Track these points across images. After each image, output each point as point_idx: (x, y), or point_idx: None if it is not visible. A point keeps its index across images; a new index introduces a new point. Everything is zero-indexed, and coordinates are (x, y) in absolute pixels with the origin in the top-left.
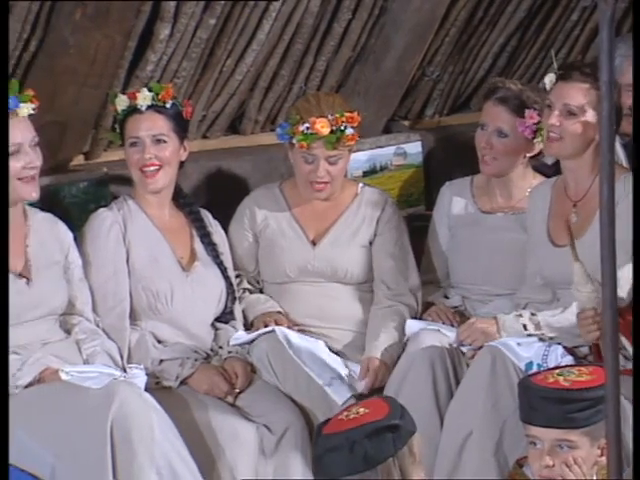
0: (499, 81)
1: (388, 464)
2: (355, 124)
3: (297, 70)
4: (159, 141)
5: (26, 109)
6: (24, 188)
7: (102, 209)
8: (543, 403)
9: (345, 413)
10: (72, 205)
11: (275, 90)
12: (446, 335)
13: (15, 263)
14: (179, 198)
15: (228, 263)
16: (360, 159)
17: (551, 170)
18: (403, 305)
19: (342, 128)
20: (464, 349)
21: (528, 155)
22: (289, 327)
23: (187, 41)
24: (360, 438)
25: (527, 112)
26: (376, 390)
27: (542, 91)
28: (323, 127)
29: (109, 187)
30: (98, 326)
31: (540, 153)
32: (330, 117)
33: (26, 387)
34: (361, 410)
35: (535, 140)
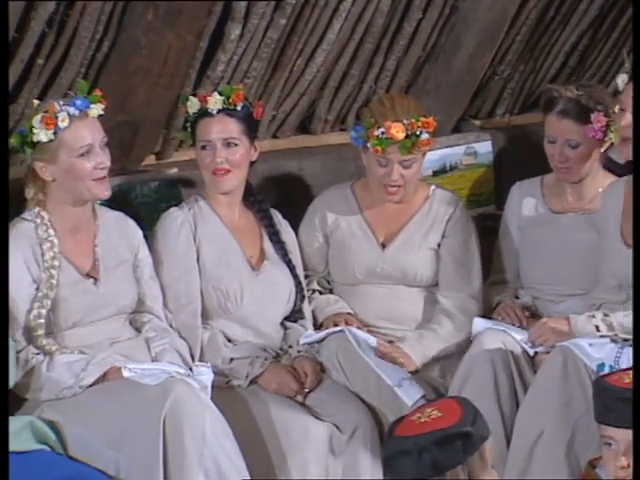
0: (554, 90)
1: (457, 471)
2: (430, 129)
3: (367, 70)
4: (230, 144)
5: (96, 110)
6: (96, 187)
7: (173, 208)
8: (619, 403)
9: (418, 414)
10: (143, 205)
11: (345, 90)
12: (512, 336)
13: (83, 263)
14: (249, 197)
15: (297, 262)
16: (430, 158)
17: (622, 169)
18: (462, 308)
19: (417, 133)
20: (536, 349)
21: (602, 150)
22: (358, 328)
23: (258, 41)
24: (429, 445)
25: (593, 116)
26: None
27: (596, 87)
28: (398, 132)
29: (180, 187)
30: (171, 325)
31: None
32: (405, 122)
33: (90, 386)
34: (434, 413)
35: (606, 138)
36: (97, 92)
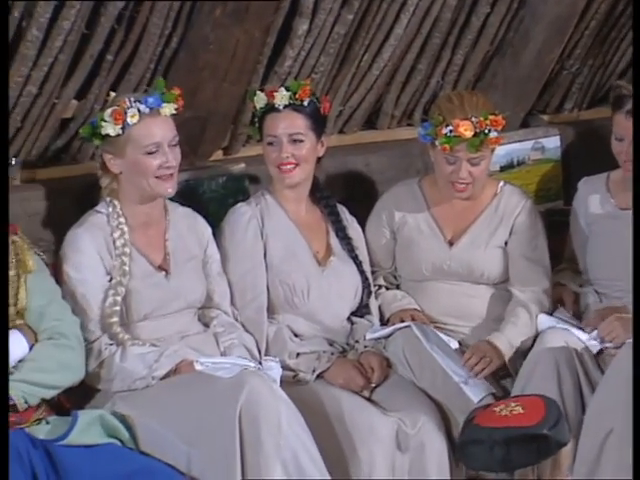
0: (623, 87)
1: (526, 471)
2: (499, 127)
3: (434, 64)
4: (296, 140)
5: (168, 109)
6: (159, 185)
7: (240, 204)
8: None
9: (501, 406)
10: (211, 200)
11: (412, 84)
12: (575, 335)
13: (155, 256)
14: (316, 192)
15: (363, 257)
16: (498, 154)
17: None
18: (537, 302)
19: (486, 131)
20: (605, 345)
21: None
22: (425, 324)
23: (325, 36)
24: (503, 441)
25: None
26: None
27: None
28: (467, 130)
29: (247, 182)
30: (236, 320)
31: None
32: (474, 120)
33: (162, 379)
34: (517, 408)
35: None
36: (175, 91)
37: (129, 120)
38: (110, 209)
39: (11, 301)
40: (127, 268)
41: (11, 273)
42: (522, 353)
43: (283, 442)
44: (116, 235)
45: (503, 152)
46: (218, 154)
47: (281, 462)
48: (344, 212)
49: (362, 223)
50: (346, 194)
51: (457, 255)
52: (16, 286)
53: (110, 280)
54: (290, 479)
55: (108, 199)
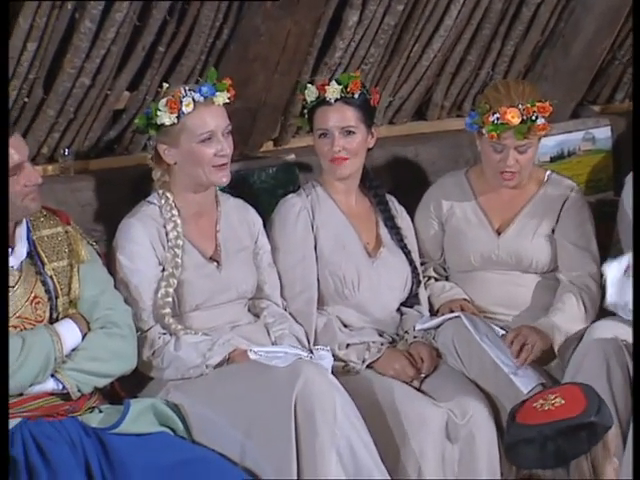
0: None
1: (580, 460)
2: (546, 114)
3: (484, 55)
4: (348, 133)
5: (221, 98)
6: (214, 174)
7: (291, 195)
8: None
9: (540, 401)
10: (261, 190)
11: (462, 76)
12: (626, 327)
13: (206, 247)
14: (366, 182)
15: (412, 248)
16: (548, 144)
17: None
18: (584, 286)
19: (533, 118)
20: None
21: None
22: (474, 314)
23: (375, 27)
24: (553, 435)
25: None
26: None
27: None
28: (513, 117)
29: (297, 173)
30: (286, 310)
31: None
32: (521, 107)
33: (215, 367)
34: (557, 401)
35: None
36: (226, 80)
37: (184, 109)
38: (163, 201)
39: (64, 291)
40: (179, 260)
41: (64, 263)
42: (574, 340)
43: (338, 431)
44: (169, 227)
45: (553, 143)
46: (268, 145)
47: (336, 451)
48: (393, 202)
49: (411, 214)
50: (395, 185)
51: (505, 244)
52: (69, 276)
53: (162, 271)
54: (345, 468)
55: (160, 191)
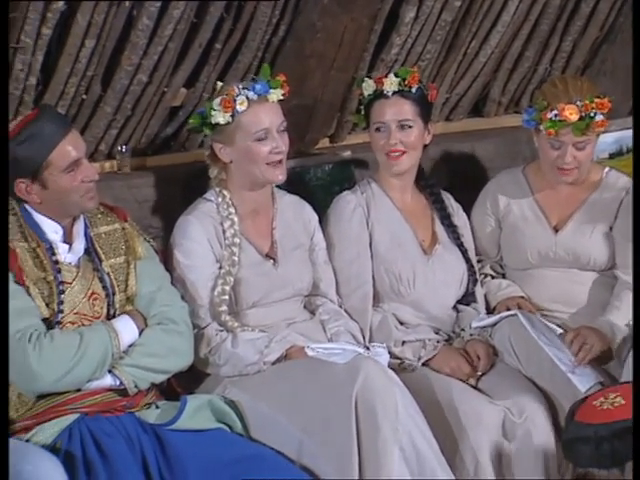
0: None
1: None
2: (605, 110)
3: (542, 51)
4: (404, 126)
5: (275, 95)
6: (270, 171)
7: (346, 192)
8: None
9: (601, 399)
10: (317, 187)
11: (519, 72)
12: None
13: (262, 245)
14: (421, 180)
15: (469, 245)
16: (606, 141)
17: None
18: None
19: (591, 115)
20: None
21: None
22: (531, 312)
23: (432, 23)
24: (609, 436)
25: None
26: None
27: None
28: (572, 114)
29: (353, 170)
30: (341, 307)
31: None
32: (579, 103)
33: (272, 364)
34: (617, 400)
35: None
36: (280, 77)
37: (238, 107)
38: (220, 199)
39: (121, 287)
40: (236, 258)
41: (121, 260)
42: (630, 338)
43: (400, 427)
44: (226, 225)
45: (612, 139)
46: (324, 142)
47: (399, 446)
48: (449, 199)
49: (468, 211)
50: (452, 182)
51: (563, 242)
52: (125, 272)
53: (219, 268)
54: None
55: (217, 189)
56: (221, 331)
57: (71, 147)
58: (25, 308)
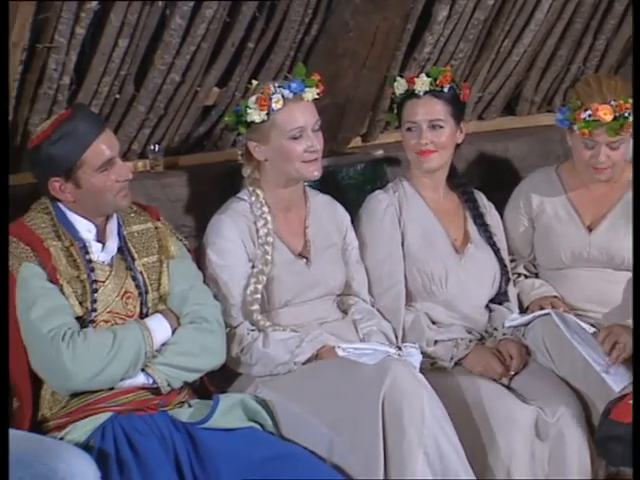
0: None
1: None
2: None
3: (576, 50)
4: (435, 126)
5: (310, 94)
6: (305, 169)
7: (378, 191)
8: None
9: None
10: (349, 186)
11: (552, 70)
12: None
13: (295, 244)
14: (453, 179)
15: (501, 244)
16: None
17: None
18: None
19: (626, 115)
20: None
21: None
22: (565, 311)
23: (464, 22)
24: None
25: None
26: None
27: None
28: (606, 114)
29: (385, 169)
30: (373, 307)
31: None
32: (613, 103)
33: (303, 364)
34: None
35: None
36: (315, 76)
37: (273, 106)
38: (253, 198)
39: (154, 286)
40: (269, 257)
41: (153, 259)
42: None
43: (426, 430)
44: (259, 224)
45: None
46: (356, 141)
47: (423, 450)
48: (482, 198)
49: (501, 211)
50: (484, 181)
51: (597, 241)
52: (158, 271)
53: (252, 267)
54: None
55: (250, 188)
56: (253, 330)
57: (105, 146)
58: (59, 306)
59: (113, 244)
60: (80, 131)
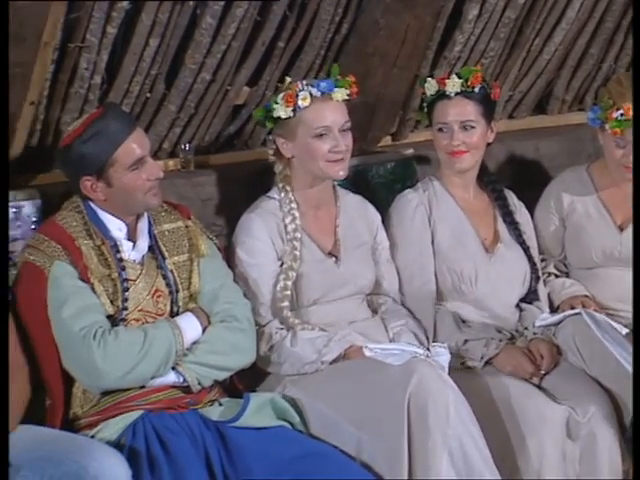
0: None
1: None
2: None
3: (607, 48)
4: (467, 127)
5: (340, 94)
6: (329, 168)
7: (408, 190)
8: None
9: None
10: (379, 185)
11: (584, 69)
12: None
13: (325, 242)
14: (483, 177)
15: (531, 243)
16: None
17: None
18: None
19: None
20: None
21: None
22: (596, 311)
23: (495, 21)
24: None
25: None
26: None
27: None
28: None
29: (415, 168)
30: (404, 306)
31: None
32: None
33: (331, 363)
34: None
35: None
36: (349, 77)
37: (300, 103)
38: (282, 194)
39: (184, 285)
40: (298, 253)
41: (184, 257)
42: None
43: (451, 432)
44: (288, 220)
45: None
46: (386, 140)
47: (448, 451)
48: (512, 197)
49: (531, 210)
50: (515, 180)
51: (628, 240)
52: (189, 270)
53: (281, 265)
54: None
55: (280, 185)
56: (281, 329)
57: (136, 145)
58: (90, 305)
59: (144, 243)
60: (111, 130)
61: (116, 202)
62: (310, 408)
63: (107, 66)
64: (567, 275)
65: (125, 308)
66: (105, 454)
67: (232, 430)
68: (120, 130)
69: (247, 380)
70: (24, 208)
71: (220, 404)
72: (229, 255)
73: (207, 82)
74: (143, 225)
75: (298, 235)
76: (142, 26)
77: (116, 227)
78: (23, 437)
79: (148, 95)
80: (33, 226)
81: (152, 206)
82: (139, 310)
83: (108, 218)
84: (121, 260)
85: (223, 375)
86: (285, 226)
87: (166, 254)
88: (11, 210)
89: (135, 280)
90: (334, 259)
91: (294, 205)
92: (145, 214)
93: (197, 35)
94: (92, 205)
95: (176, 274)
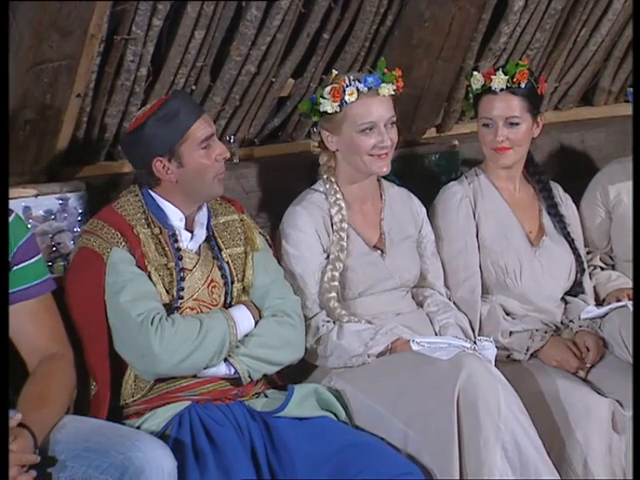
0: None
1: None
2: None
3: None
4: (512, 123)
5: (387, 89)
6: (372, 163)
7: (453, 182)
8: None
9: None
10: (424, 177)
11: (630, 60)
12: None
13: (370, 236)
14: (530, 168)
15: (576, 236)
16: None
17: None
18: None
19: None
20: None
21: None
22: None
23: (541, 12)
24: None
25: None
26: None
27: None
28: None
29: (460, 159)
30: (449, 299)
31: None
32: None
33: (377, 356)
34: None
35: None
36: (395, 72)
37: (347, 98)
38: (327, 186)
39: (239, 277)
40: (344, 243)
41: (239, 250)
42: None
43: (503, 425)
44: (334, 211)
45: None
46: (431, 131)
47: (501, 445)
48: (557, 189)
49: (577, 202)
50: (561, 172)
51: None
52: (243, 263)
53: (327, 258)
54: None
55: (325, 177)
56: (327, 322)
57: (206, 124)
58: (147, 292)
59: (202, 233)
60: (183, 110)
61: (186, 185)
62: (355, 400)
63: (153, 58)
64: (613, 268)
65: (180, 297)
66: (151, 445)
67: (277, 420)
68: (191, 110)
69: (293, 374)
70: (70, 200)
71: (266, 396)
72: (275, 248)
73: (252, 74)
74: (202, 216)
75: (345, 225)
76: (187, 18)
77: (176, 217)
78: (68, 429)
79: (193, 87)
80: (79, 218)
81: (216, 194)
82: (194, 299)
83: (168, 207)
84: (179, 249)
85: (273, 369)
86: (331, 217)
87: (222, 245)
88: (57, 202)
89: (191, 269)
90: (379, 252)
91: (339, 196)
92: (205, 206)
93: (242, 27)
94: (152, 194)
95: (232, 266)
